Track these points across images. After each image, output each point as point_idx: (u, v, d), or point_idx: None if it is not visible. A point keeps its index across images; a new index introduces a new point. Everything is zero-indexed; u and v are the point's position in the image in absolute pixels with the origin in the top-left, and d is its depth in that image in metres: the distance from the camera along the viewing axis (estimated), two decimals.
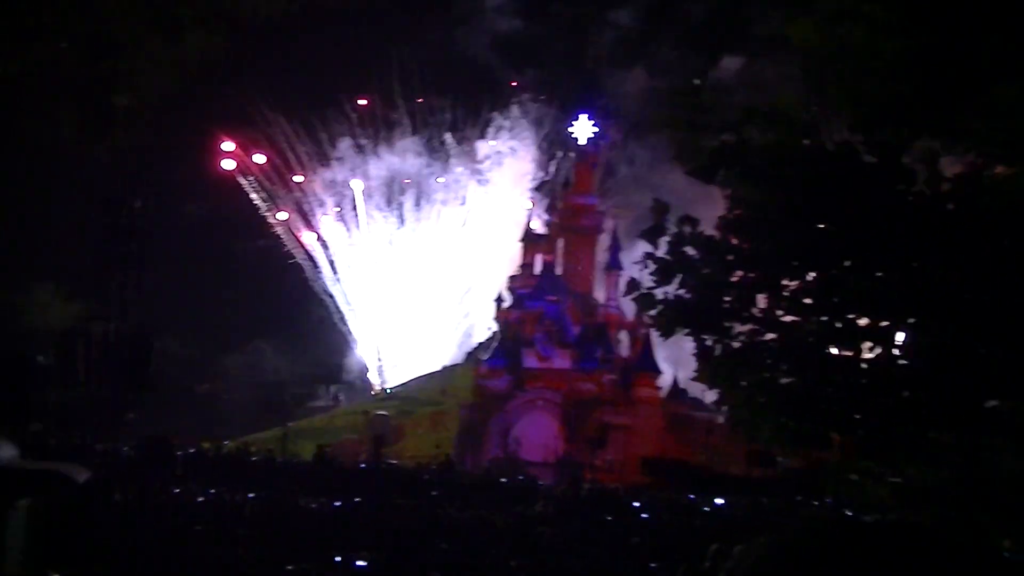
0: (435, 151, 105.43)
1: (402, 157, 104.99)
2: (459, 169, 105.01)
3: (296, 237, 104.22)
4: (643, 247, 14.48)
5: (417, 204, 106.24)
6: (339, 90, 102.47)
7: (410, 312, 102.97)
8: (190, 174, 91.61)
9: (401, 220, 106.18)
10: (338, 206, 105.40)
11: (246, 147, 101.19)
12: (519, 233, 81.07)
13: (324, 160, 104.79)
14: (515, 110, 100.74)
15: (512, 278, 79.62)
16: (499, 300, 79.81)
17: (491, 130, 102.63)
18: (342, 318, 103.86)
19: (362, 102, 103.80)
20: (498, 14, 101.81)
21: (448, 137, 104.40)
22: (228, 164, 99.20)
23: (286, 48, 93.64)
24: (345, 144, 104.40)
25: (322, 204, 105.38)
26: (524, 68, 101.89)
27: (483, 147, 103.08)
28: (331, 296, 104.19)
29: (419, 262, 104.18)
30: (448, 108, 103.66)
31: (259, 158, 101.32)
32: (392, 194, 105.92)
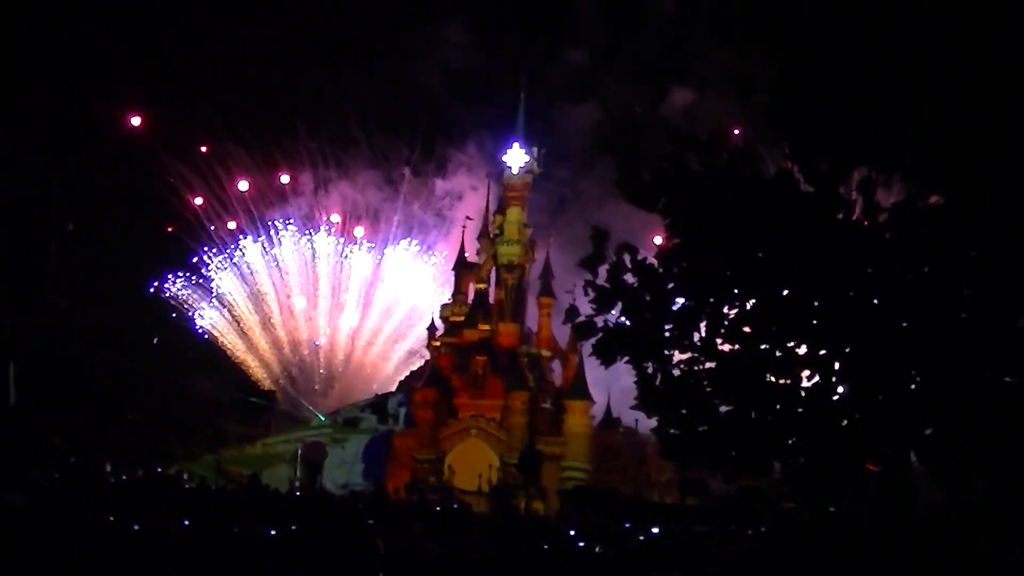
0: (393, 185, 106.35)
1: (360, 191, 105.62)
2: (415, 207, 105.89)
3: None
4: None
5: (372, 237, 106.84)
6: (296, 122, 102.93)
7: (347, 338, 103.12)
8: (131, 198, 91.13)
9: (345, 250, 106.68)
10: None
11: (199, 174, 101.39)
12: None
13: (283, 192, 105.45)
14: (471, 147, 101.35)
15: (444, 306, 79.68)
16: (432, 328, 79.81)
17: (450, 165, 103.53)
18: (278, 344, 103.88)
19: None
20: (452, 50, 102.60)
21: (407, 172, 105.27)
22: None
23: (243, 76, 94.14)
24: (304, 177, 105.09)
25: (277, 231, 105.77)
26: (478, 104, 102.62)
27: (441, 184, 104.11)
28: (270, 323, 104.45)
29: (364, 291, 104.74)
30: (405, 144, 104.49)
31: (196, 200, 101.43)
32: (347, 226, 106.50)
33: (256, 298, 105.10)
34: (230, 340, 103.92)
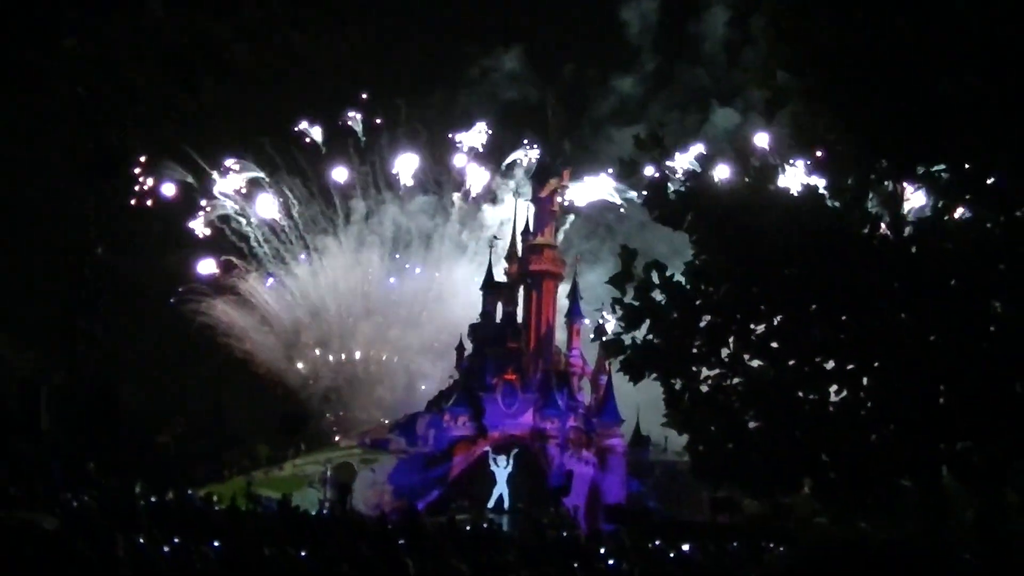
0: (444, 211, 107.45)
1: (411, 216, 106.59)
2: (464, 234, 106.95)
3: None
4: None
5: (423, 258, 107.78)
6: (348, 146, 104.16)
7: (377, 359, 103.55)
8: (164, 226, 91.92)
9: (393, 271, 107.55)
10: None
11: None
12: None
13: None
14: (519, 173, 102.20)
15: (473, 326, 79.83)
16: (460, 348, 79.99)
17: (499, 192, 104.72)
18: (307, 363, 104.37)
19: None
20: (504, 79, 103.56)
21: (456, 199, 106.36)
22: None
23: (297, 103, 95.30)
24: (355, 201, 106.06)
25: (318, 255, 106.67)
26: (526, 132, 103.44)
27: (490, 212, 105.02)
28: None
29: (399, 311, 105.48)
30: (456, 171, 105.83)
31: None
32: (397, 248, 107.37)
33: (290, 319, 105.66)
34: (261, 362, 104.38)
